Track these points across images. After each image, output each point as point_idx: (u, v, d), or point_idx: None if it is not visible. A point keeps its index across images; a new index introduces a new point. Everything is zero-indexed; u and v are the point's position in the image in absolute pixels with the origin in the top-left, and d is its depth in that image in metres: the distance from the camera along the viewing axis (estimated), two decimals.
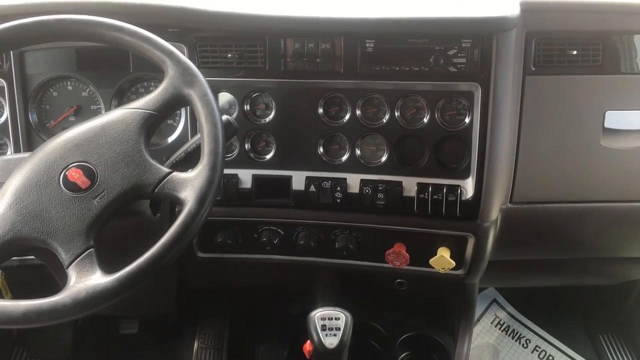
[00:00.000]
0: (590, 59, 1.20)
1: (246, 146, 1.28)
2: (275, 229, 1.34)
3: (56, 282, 1.13)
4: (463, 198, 1.20)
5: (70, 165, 0.95)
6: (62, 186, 0.93)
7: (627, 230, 1.38)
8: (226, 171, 1.22)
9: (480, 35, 1.14)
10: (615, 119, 1.24)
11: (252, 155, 1.28)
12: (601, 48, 1.20)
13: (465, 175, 1.21)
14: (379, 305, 1.58)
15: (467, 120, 1.19)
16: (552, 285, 1.94)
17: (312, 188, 1.25)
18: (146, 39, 1.00)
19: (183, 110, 1.31)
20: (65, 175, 0.94)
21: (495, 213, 1.24)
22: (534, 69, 1.20)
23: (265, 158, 1.28)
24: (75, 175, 0.93)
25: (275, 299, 1.92)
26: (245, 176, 1.27)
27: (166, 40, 1.01)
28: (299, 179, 1.26)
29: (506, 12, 1.14)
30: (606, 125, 1.23)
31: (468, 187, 1.21)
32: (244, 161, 1.28)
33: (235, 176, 1.27)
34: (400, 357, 1.53)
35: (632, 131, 1.25)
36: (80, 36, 1.02)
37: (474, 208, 1.21)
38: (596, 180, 1.28)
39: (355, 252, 1.33)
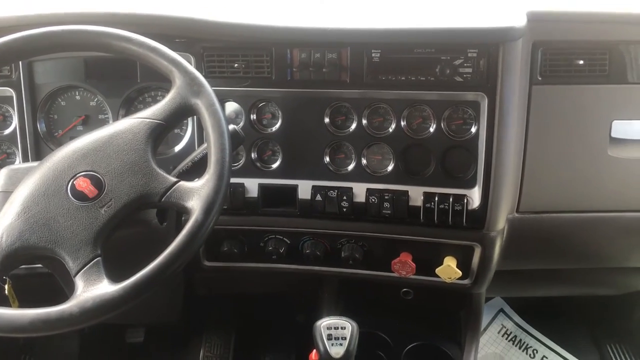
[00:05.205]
0: (597, 68, 1.20)
1: (252, 155, 1.28)
2: (282, 238, 1.34)
3: (63, 291, 1.13)
4: (469, 207, 1.20)
5: (78, 175, 0.95)
6: (70, 195, 0.94)
7: (634, 240, 1.38)
8: (232, 180, 1.23)
9: (486, 45, 1.14)
10: (622, 128, 1.24)
11: (258, 164, 1.29)
12: (608, 58, 1.20)
13: (471, 185, 1.21)
14: (385, 314, 1.57)
15: (473, 129, 1.19)
16: (559, 295, 1.93)
17: (318, 197, 1.25)
18: (153, 49, 1.01)
19: (190, 120, 1.32)
20: (73, 185, 0.94)
21: (501, 223, 1.24)
22: (540, 78, 1.20)
23: (271, 167, 1.29)
24: (83, 184, 0.94)
25: (281, 308, 1.92)
26: (252, 185, 1.28)
27: (173, 50, 1.02)
28: (305, 188, 1.26)
29: (513, 22, 1.14)
30: (613, 135, 1.23)
31: (474, 196, 1.21)
32: (250, 170, 1.28)
33: (242, 185, 1.27)
34: None
35: (639, 141, 1.25)
36: (89, 46, 1.03)
37: (481, 217, 1.21)
38: (603, 190, 1.28)
39: (361, 261, 1.32)
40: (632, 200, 1.29)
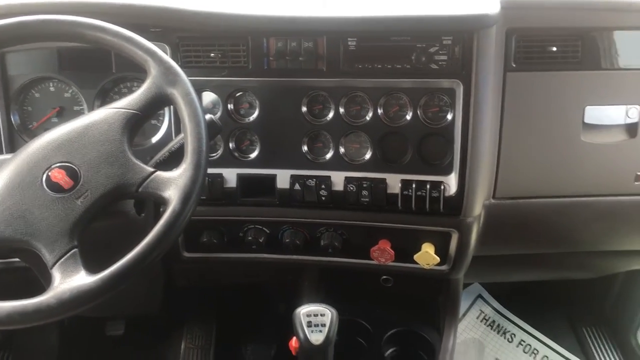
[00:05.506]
0: (570, 55, 1.22)
1: (230, 145, 1.28)
2: (261, 227, 1.35)
3: (40, 286, 1.12)
4: (446, 194, 1.21)
5: (53, 166, 0.94)
6: (45, 187, 0.93)
7: (608, 224, 1.40)
8: (210, 170, 1.22)
9: (461, 33, 1.15)
10: (595, 114, 1.25)
11: (236, 154, 1.29)
12: (580, 44, 1.22)
13: (448, 172, 1.22)
14: (365, 301, 1.58)
15: (449, 116, 1.20)
16: (536, 279, 1.96)
17: (297, 186, 1.26)
18: (128, 38, 1.00)
19: (167, 110, 1.31)
20: (48, 176, 0.93)
21: (478, 208, 1.25)
22: (514, 65, 1.21)
23: (249, 157, 1.28)
24: (58, 175, 0.93)
25: (262, 297, 1.92)
26: (230, 175, 1.28)
27: (148, 40, 1.01)
28: (283, 178, 1.27)
29: (486, 9, 1.15)
30: (586, 120, 1.25)
31: (451, 183, 1.22)
32: (228, 160, 1.28)
33: (220, 175, 1.27)
34: (386, 353, 1.54)
35: (611, 126, 1.27)
36: (62, 36, 1.02)
37: (457, 204, 1.22)
38: (577, 175, 1.29)
39: (340, 250, 1.33)
40: (605, 184, 1.31)
